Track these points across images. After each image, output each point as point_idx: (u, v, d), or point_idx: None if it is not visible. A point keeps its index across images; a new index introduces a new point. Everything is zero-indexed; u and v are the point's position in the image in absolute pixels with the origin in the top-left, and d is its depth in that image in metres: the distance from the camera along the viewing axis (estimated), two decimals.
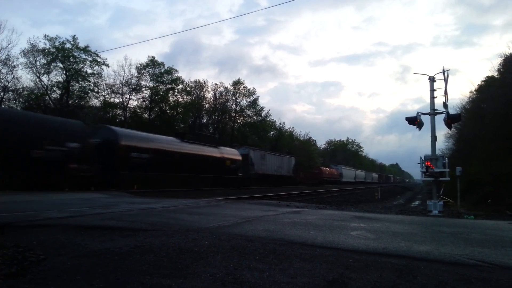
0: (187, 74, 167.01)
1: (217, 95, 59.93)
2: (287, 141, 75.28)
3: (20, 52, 37.16)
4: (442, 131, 56.66)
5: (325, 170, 74.20)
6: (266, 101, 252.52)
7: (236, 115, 62.43)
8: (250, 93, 62.14)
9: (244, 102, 62.45)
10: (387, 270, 3.61)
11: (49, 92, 39.09)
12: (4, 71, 35.18)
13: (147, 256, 3.92)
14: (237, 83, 61.14)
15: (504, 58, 32.80)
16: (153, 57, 46.64)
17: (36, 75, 38.11)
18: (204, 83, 57.90)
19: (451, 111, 16.33)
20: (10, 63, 35.31)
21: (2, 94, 35.56)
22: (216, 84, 60.82)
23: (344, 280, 3.27)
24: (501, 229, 7.24)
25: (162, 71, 47.27)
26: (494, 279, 3.42)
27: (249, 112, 63.54)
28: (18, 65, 36.44)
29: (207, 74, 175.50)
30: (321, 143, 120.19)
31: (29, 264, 3.52)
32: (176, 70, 48.86)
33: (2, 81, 35.26)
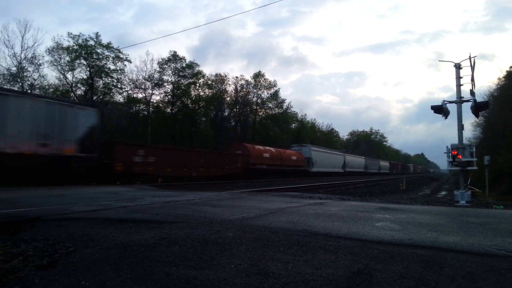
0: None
1: (238, 88, 60.04)
2: (309, 133, 74.88)
3: (46, 50, 38.11)
4: (470, 120, 55.19)
5: (261, 151, 39.05)
6: (289, 92, 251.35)
7: (258, 108, 62.39)
8: (271, 85, 61.96)
9: (265, 94, 62.37)
10: (413, 261, 3.56)
11: (74, 88, 39.95)
12: (30, 69, 36.15)
13: (172, 248, 3.98)
14: (257, 75, 61.02)
15: None
16: (175, 52, 46.94)
17: (61, 73, 39.01)
18: (225, 76, 58.12)
19: (479, 98, 15.91)
20: (36, 61, 36.25)
21: (29, 91, 36.54)
22: (237, 77, 60.88)
23: (369, 271, 3.24)
24: None
25: (184, 65, 47.57)
26: None
27: (270, 105, 63.41)
28: (43, 63, 37.38)
29: (230, 68, 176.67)
30: (346, 134, 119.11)
31: (59, 256, 3.62)
32: (197, 64, 49.10)
33: (29, 78, 36.27)
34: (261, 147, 40.20)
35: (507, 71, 40.75)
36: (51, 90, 38.42)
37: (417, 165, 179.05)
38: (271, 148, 42.17)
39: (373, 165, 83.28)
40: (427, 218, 6.84)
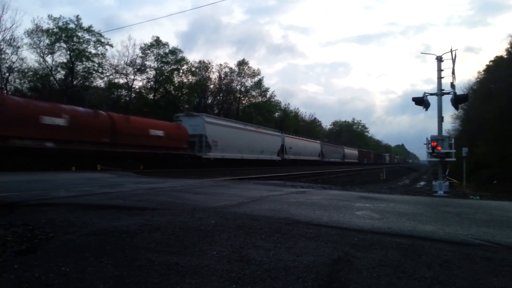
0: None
1: (222, 75, 59.67)
2: (292, 122, 75.13)
3: (24, 33, 37.05)
4: (450, 112, 56.11)
5: (32, 109, 17.12)
6: (274, 81, 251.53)
7: (241, 96, 62.22)
8: (255, 73, 61.80)
9: (249, 82, 62.19)
10: (392, 249, 3.64)
11: (53, 72, 39.08)
12: (8, 51, 35.13)
13: (154, 234, 3.97)
14: (241, 63, 60.75)
15: None
16: (158, 37, 46.27)
17: (40, 56, 38.07)
18: (209, 63, 57.65)
19: (459, 91, 16.21)
20: (14, 43, 35.24)
21: (7, 74, 35.60)
22: (220, 64, 60.52)
23: (349, 258, 3.30)
24: (507, 210, 7.25)
25: (167, 51, 46.98)
26: (499, 259, 3.43)
27: (254, 93, 63.37)
28: (22, 46, 36.38)
29: (219, 54, 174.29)
30: (330, 124, 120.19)
31: (38, 242, 3.57)
32: (180, 51, 48.56)
33: (7, 61, 35.27)
34: (41, 104, 18.85)
35: (486, 65, 41.57)
36: (30, 73, 37.50)
37: (394, 155, 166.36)
38: (82, 110, 20.91)
39: (333, 152, 67.62)
40: (406, 207, 6.97)
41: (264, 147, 40.68)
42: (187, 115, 31.48)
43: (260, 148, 39.72)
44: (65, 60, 39.15)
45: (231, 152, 33.14)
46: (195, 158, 28.65)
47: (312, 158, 55.92)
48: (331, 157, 65.68)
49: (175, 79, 48.91)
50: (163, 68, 47.12)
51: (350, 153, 78.31)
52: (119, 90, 45.56)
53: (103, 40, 40.38)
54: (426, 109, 14.38)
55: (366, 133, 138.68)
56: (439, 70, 14.20)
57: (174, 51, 47.51)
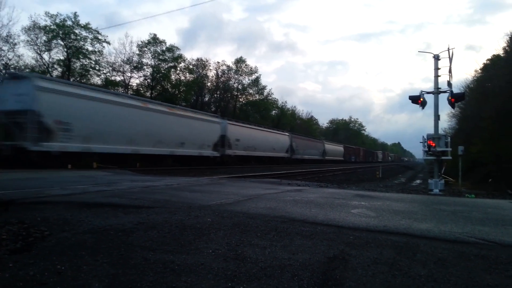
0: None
1: (220, 73, 59.58)
2: (289, 120, 75.11)
3: (22, 29, 36.81)
4: (447, 110, 56.02)
5: None
6: (272, 79, 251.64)
7: (238, 94, 62.16)
8: (252, 71, 61.69)
9: (246, 80, 62.11)
10: (387, 247, 3.65)
11: (50, 69, 38.87)
12: (5, 48, 34.89)
13: (150, 233, 3.97)
14: (239, 61, 60.62)
15: (510, 36, 32.19)
16: (155, 35, 46.09)
17: (37, 53, 37.86)
18: (207, 61, 57.53)
19: (456, 90, 16.25)
20: (11, 40, 34.99)
21: (3, 71, 35.38)
22: (218, 62, 60.48)
23: (345, 256, 3.31)
24: (502, 208, 7.29)
25: (164, 49, 46.83)
26: (493, 257, 3.46)
27: (251, 91, 63.27)
28: (19, 43, 36.14)
29: (219, 51, 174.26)
30: (327, 122, 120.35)
31: (34, 240, 3.56)
32: (177, 48, 48.42)
33: (4, 58, 35.05)
34: None
35: (483, 63, 41.67)
36: (27, 70, 37.29)
37: (388, 153, 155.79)
38: None
39: (309, 148, 55.25)
40: (401, 205, 7.00)
41: (186, 137, 27.33)
42: (8, 78, 18.58)
43: (178, 139, 26.62)
44: (62, 57, 38.99)
45: (108, 142, 20.09)
46: (18, 151, 16.08)
47: (275, 155, 43.18)
48: (306, 154, 53.14)
49: (172, 76, 48.83)
50: (160, 65, 47.00)
51: (332, 149, 65.86)
52: (116, 87, 45.39)
53: (100, 37, 40.26)
54: (423, 108, 14.39)
55: (363, 131, 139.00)
56: (436, 68, 14.20)
57: (171, 49, 47.39)
